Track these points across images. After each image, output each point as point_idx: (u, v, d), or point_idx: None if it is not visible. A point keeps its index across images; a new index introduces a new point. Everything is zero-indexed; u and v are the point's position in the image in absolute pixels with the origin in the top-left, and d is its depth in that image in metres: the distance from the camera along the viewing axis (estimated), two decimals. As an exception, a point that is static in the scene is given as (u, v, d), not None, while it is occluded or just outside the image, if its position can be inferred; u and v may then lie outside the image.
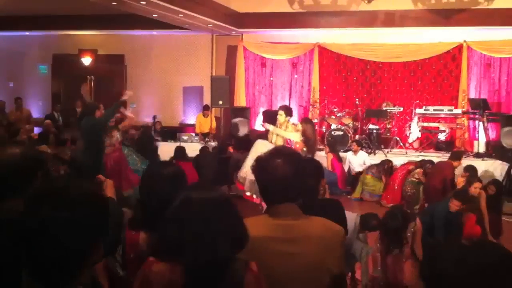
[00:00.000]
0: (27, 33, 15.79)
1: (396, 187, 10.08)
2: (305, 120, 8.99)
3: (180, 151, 10.18)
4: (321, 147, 11.72)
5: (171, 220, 1.99)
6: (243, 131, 13.42)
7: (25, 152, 2.51)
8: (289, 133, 8.03)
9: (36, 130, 12.93)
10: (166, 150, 11.71)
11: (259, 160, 2.34)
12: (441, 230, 6.28)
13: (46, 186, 1.66)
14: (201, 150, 11.01)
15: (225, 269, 1.93)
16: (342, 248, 2.36)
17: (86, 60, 15.33)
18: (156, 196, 2.78)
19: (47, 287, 1.54)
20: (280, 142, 7.97)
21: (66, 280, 1.55)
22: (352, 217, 4.68)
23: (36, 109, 15.57)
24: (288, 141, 8.25)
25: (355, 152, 11.46)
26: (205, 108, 13.88)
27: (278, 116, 8.21)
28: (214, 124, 13.92)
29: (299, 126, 8.27)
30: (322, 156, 10.93)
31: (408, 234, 5.74)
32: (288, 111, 8.34)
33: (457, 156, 9.66)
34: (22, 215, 1.58)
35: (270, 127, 8.14)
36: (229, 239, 1.95)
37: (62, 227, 1.51)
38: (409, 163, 10.53)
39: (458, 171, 9.38)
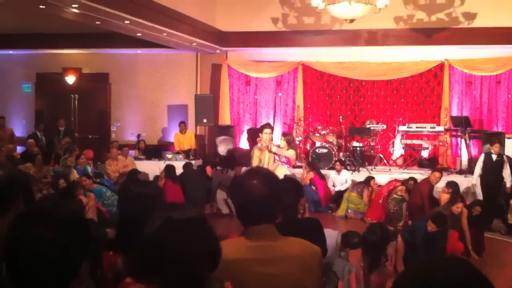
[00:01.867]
0: (11, 51, 15.73)
1: (380, 204, 10.12)
2: (285, 134, 9.05)
3: (171, 169, 10.15)
4: (300, 164, 11.80)
5: (149, 240, 1.99)
6: (224, 149, 13.38)
7: (6, 173, 2.50)
8: (288, 151, 8.09)
9: (19, 149, 12.84)
10: (151, 168, 11.71)
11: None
12: (421, 248, 6.32)
13: (33, 207, 1.67)
14: (185, 166, 10.97)
15: None
16: (320, 268, 2.37)
17: (70, 79, 15.27)
18: (131, 216, 2.77)
19: None
20: (271, 162, 7.99)
21: None
22: (333, 235, 4.68)
23: (19, 128, 15.46)
24: (278, 157, 8.24)
25: (338, 171, 11.51)
26: (181, 125, 13.87)
27: (263, 135, 8.19)
28: (193, 141, 13.87)
29: (283, 143, 8.32)
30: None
31: (391, 251, 5.77)
32: (272, 129, 8.40)
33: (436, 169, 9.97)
34: (8, 235, 1.58)
35: (273, 148, 8.15)
36: (206, 258, 1.96)
37: (48, 248, 1.51)
38: (395, 180, 10.60)
39: (440, 185, 9.48)
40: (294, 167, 8.70)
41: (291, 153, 8.10)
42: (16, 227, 1.57)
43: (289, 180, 3.89)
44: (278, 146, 8.31)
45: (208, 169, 10.87)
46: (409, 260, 6.09)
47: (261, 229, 2.28)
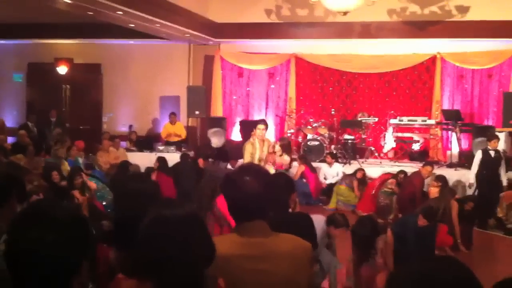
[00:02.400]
0: (2, 41, 15.62)
1: (372, 197, 10.17)
2: (281, 139, 9.13)
3: (163, 162, 10.11)
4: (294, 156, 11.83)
5: (143, 237, 2.00)
6: (217, 141, 13.37)
7: (1, 170, 2.49)
8: (283, 158, 8.19)
9: (10, 140, 12.79)
10: (142, 160, 11.70)
11: (227, 177, 2.36)
12: (412, 242, 6.36)
13: (31, 208, 1.67)
14: (182, 157, 10.93)
15: (194, 286, 1.95)
16: (311, 264, 2.39)
17: (62, 69, 15.20)
18: (128, 212, 2.78)
19: None
20: (263, 157, 8.05)
21: None
22: (320, 220, 4.73)
23: (10, 118, 15.39)
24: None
25: (330, 164, 11.55)
26: (171, 116, 13.86)
27: (257, 130, 8.20)
28: (183, 132, 13.86)
29: (277, 147, 8.39)
30: (294, 166, 11.09)
31: (381, 244, 5.80)
32: (267, 126, 8.42)
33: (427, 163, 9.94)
34: (8, 237, 1.59)
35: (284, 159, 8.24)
36: (199, 255, 1.97)
37: (50, 248, 1.52)
38: (387, 173, 10.64)
39: (430, 180, 9.51)
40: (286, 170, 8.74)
41: (286, 160, 8.17)
42: (15, 229, 1.58)
43: (281, 175, 3.91)
44: (274, 152, 8.32)
45: (200, 161, 10.85)
46: (399, 254, 6.12)
47: (253, 225, 2.30)
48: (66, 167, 9.50)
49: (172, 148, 12.99)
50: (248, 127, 11.19)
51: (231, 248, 2.27)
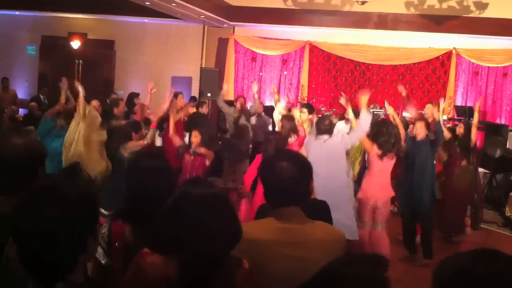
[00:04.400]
0: (17, 12, 15.60)
1: None
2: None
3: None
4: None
5: (169, 214, 1.99)
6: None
7: (26, 144, 2.24)
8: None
9: (21, 111, 12.80)
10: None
11: (265, 162, 2.35)
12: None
13: (39, 184, 1.65)
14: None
15: (219, 265, 1.94)
16: (343, 252, 2.38)
17: (75, 44, 15.17)
18: (140, 189, 2.79)
19: (41, 284, 1.55)
20: None
21: (59, 277, 1.56)
22: None
23: (22, 90, 15.41)
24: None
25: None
26: (192, 100, 13.78)
27: (301, 114, 8.15)
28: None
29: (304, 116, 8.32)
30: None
31: None
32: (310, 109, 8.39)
33: None
34: (15, 212, 1.57)
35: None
36: (224, 235, 1.96)
37: (56, 224, 1.51)
38: None
39: None
40: None
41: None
42: (23, 204, 1.57)
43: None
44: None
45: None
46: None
47: (290, 211, 2.31)
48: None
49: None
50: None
51: (268, 233, 2.27)
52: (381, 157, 6.29)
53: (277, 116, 8.41)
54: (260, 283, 2.06)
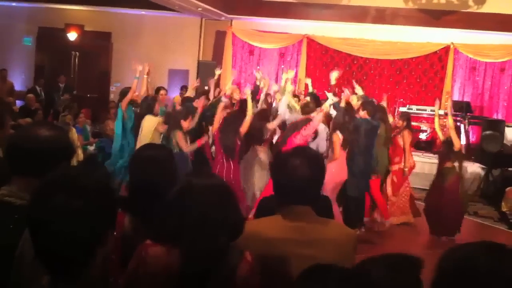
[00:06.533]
0: (13, 4, 15.50)
1: None
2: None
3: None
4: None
5: (172, 205, 1.99)
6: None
7: (59, 136, 2.16)
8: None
9: (18, 103, 12.74)
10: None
11: (277, 158, 2.31)
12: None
13: (58, 174, 1.61)
14: None
15: (221, 256, 1.94)
16: (355, 251, 2.36)
17: (72, 35, 15.11)
18: (141, 178, 2.78)
19: (56, 278, 1.53)
20: None
21: (76, 270, 1.54)
22: None
23: (18, 81, 15.33)
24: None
25: None
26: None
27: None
28: None
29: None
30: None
31: None
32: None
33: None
34: (31, 202, 1.54)
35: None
36: (227, 227, 1.96)
37: (74, 216, 1.48)
38: None
39: None
40: None
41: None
42: (40, 195, 1.54)
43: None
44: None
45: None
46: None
47: (301, 209, 2.26)
48: (73, 134, 9.45)
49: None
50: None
51: (279, 231, 2.23)
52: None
53: (285, 104, 8.43)
54: (259, 276, 2.05)
